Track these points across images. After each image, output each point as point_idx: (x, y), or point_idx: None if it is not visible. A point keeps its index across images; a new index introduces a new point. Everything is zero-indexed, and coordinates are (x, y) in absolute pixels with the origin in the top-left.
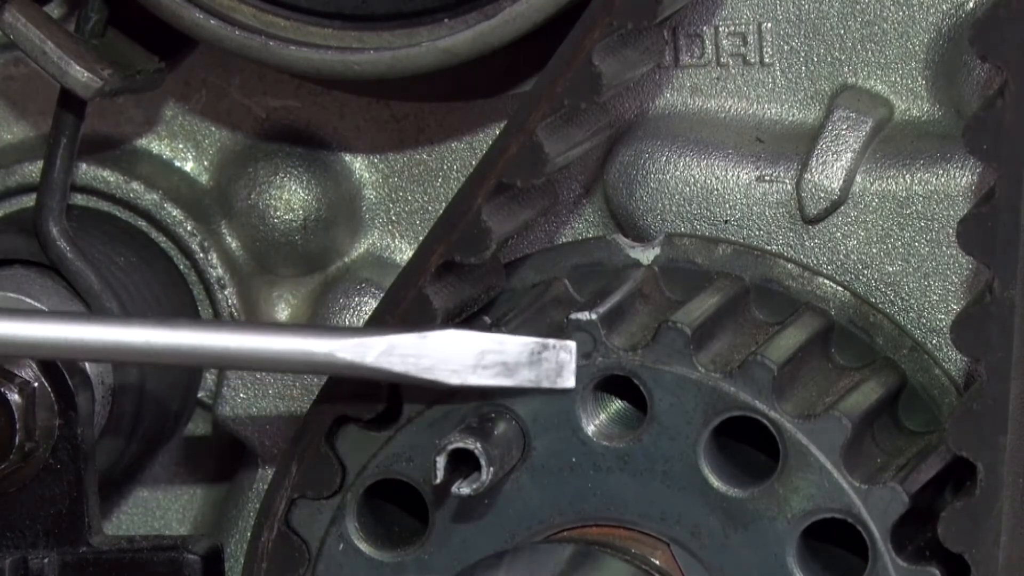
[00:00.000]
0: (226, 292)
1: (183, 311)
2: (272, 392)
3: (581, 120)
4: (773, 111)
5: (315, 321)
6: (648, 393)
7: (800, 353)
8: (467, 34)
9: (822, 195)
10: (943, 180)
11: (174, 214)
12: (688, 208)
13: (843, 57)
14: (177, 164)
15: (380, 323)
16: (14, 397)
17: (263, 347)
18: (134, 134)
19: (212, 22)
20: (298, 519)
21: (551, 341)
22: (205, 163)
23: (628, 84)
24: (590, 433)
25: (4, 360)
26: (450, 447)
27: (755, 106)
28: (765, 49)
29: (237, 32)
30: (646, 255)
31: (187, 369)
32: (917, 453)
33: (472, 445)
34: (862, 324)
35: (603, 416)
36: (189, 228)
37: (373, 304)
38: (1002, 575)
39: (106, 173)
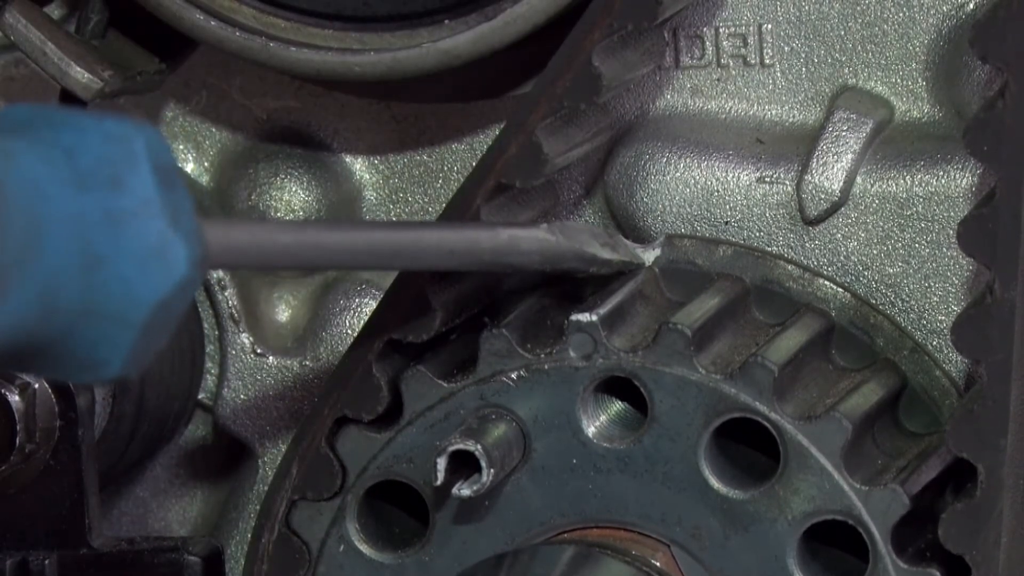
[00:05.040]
0: (226, 293)
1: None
2: (272, 393)
3: (581, 121)
4: (773, 112)
5: (315, 324)
6: (648, 394)
7: (801, 354)
8: (468, 35)
9: (822, 196)
10: (944, 181)
11: None
12: (688, 209)
13: (843, 58)
14: (178, 165)
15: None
16: (14, 398)
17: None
18: None
19: (213, 23)
20: (298, 520)
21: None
22: (205, 164)
23: (628, 85)
24: (590, 434)
25: None
26: (450, 449)
27: (755, 107)
28: (766, 50)
29: (238, 33)
30: (647, 256)
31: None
32: (918, 455)
33: (472, 447)
34: (863, 325)
35: (603, 417)
36: None
37: (373, 305)
38: None
39: None
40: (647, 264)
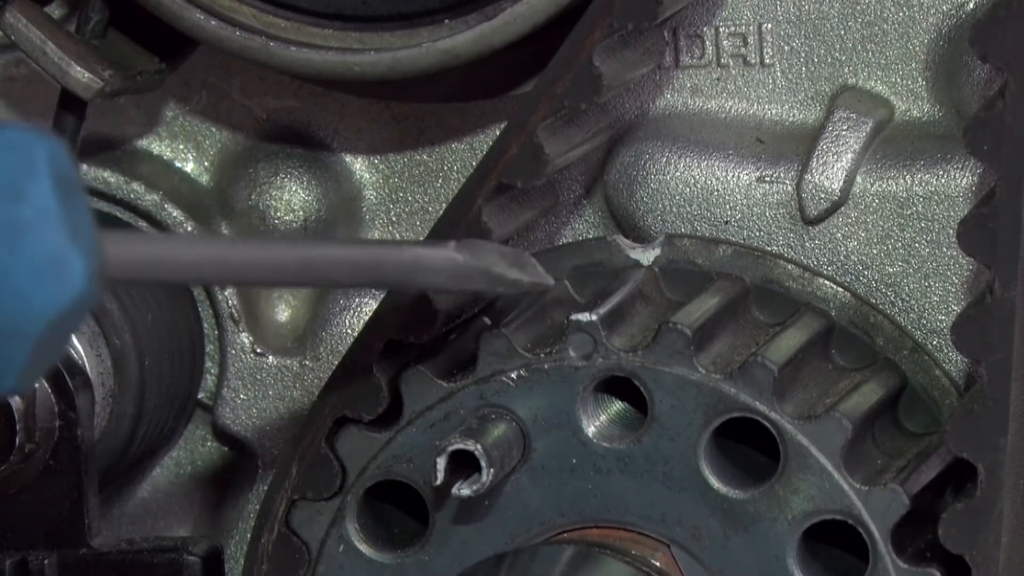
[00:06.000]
0: (226, 293)
1: (183, 312)
2: (272, 393)
3: (581, 121)
4: (773, 112)
5: (315, 324)
6: (648, 394)
7: (800, 354)
8: (468, 35)
9: (822, 196)
10: (943, 181)
11: (175, 215)
12: (688, 209)
13: (843, 58)
14: (178, 165)
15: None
16: (14, 398)
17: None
18: (135, 135)
19: (213, 23)
20: (298, 520)
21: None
22: (206, 164)
23: (628, 85)
24: (590, 434)
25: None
26: (450, 448)
27: (755, 107)
28: (765, 50)
29: (238, 33)
30: (646, 256)
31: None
32: (918, 454)
33: (472, 446)
34: (862, 325)
35: (603, 417)
36: (190, 229)
37: (373, 305)
38: None
39: (107, 174)
40: (646, 264)
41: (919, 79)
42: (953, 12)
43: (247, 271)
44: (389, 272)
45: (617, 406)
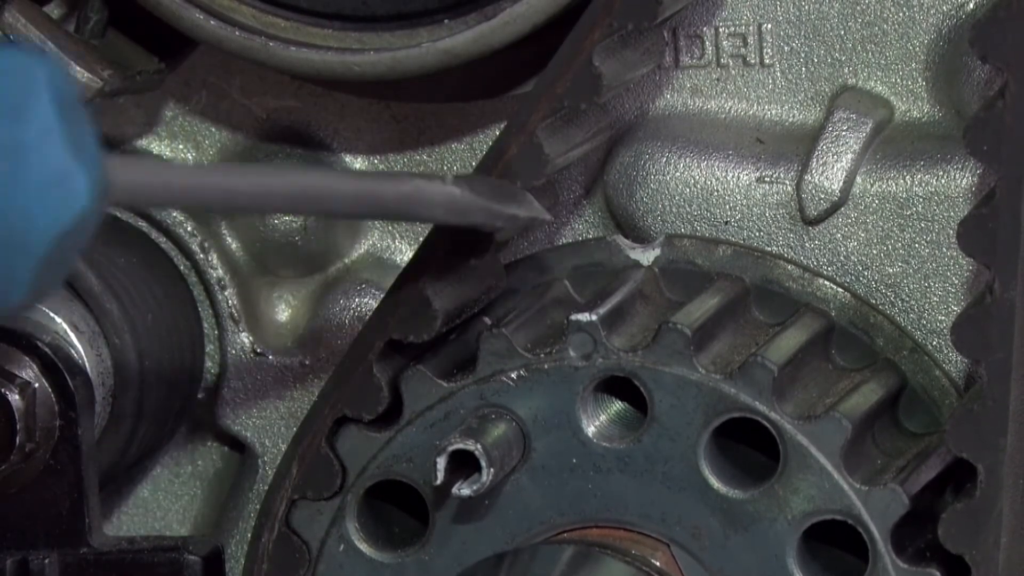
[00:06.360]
0: (226, 293)
1: (183, 312)
2: (272, 392)
3: (581, 121)
4: (773, 112)
5: (315, 323)
6: (648, 394)
7: (800, 354)
8: (467, 35)
9: (822, 196)
10: (943, 181)
11: (174, 215)
12: (688, 209)
13: (843, 58)
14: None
15: None
16: (14, 398)
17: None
18: (134, 134)
19: (212, 23)
20: (298, 520)
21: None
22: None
23: (628, 85)
24: (590, 434)
25: (5, 362)
26: (450, 448)
27: (755, 107)
28: (765, 50)
29: (237, 33)
30: (646, 256)
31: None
32: (917, 454)
33: (472, 446)
34: (862, 325)
35: (603, 417)
36: (189, 229)
37: (373, 304)
38: None
39: None
40: (646, 264)
41: (919, 79)
42: (953, 12)
43: (247, 198)
44: (388, 202)
45: (617, 406)
